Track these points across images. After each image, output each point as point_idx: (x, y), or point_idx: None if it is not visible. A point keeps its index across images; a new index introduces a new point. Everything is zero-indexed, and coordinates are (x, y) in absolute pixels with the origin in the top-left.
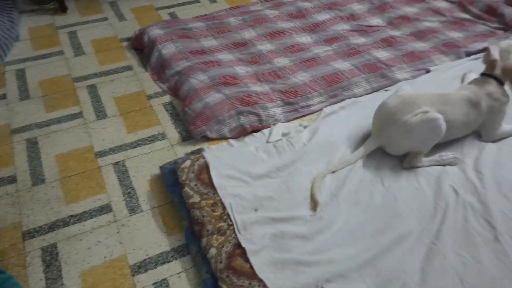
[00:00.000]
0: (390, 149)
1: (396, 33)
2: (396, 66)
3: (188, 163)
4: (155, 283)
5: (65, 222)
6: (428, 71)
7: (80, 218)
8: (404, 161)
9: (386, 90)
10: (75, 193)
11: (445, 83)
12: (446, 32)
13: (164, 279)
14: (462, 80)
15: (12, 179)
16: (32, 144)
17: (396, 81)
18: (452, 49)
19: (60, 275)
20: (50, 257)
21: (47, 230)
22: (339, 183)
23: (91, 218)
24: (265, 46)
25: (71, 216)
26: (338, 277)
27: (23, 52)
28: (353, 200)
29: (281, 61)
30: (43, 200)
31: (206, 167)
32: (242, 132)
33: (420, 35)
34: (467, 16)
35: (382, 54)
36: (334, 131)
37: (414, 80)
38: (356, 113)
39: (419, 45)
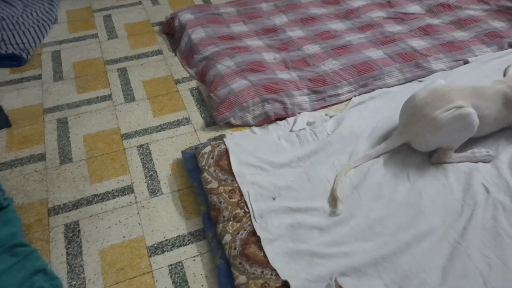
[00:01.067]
0: (417, 146)
1: (435, 21)
2: (432, 56)
3: (208, 148)
4: (171, 265)
5: (88, 201)
6: (466, 62)
7: (103, 197)
8: (433, 157)
9: (420, 81)
10: (100, 173)
11: (484, 76)
12: (489, 21)
13: (180, 262)
14: (505, 74)
15: (42, 157)
16: (62, 124)
17: (432, 72)
18: (494, 39)
19: (81, 251)
20: (72, 233)
21: (71, 207)
22: (362, 176)
23: (113, 198)
24: (296, 33)
25: (95, 195)
26: (353, 271)
27: (60, 34)
28: (375, 194)
29: (311, 48)
30: (69, 179)
31: (226, 153)
32: (266, 120)
33: (460, 23)
34: None
35: (418, 43)
36: (361, 122)
37: (451, 72)
38: (386, 104)
39: (459, 35)
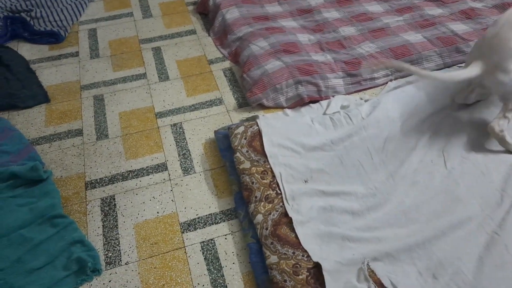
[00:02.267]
0: (491, 83)
1: (477, 4)
2: (474, 41)
3: (241, 129)
4: (203, 242)
5: (124, 176)
6: None
7: (137, 174)
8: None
9: (460, 67)
10: (135, 150)
11: None
12: None
13: (211, 239)
14: None
15: (79, 132)
16: (99, 101)
17: None
18: None
19: (116, 225)
20: (108, 207)
21: (107, 182)
22: (398, 162)
23: (148, 175)
24: (332, 14)
25: (130, 171)
26: (386, 256)
27: (96, 13)
28: (411, 181)
29: (347, 30)
30: (106, 154)
31: (259, 134)
32: (299, 102)
33: (505, 8)
34: None
35: (459, 27)
36: (397, 107)
37: None
38: (423, 90)
39: None
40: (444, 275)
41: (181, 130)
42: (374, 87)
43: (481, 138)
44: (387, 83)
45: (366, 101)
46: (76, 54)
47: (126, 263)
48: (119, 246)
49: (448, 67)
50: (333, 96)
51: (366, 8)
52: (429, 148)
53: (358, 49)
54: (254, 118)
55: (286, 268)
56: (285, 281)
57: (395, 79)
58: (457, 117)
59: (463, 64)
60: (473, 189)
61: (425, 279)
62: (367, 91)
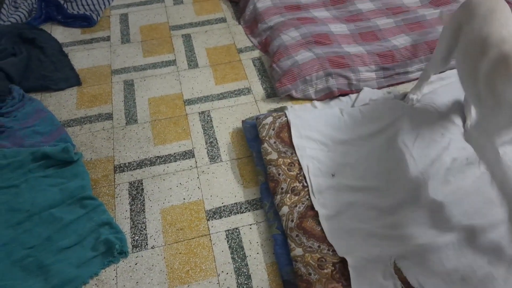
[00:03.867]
0: None
1: None
2: None
3: (269, 119)
4: (228, 230)
5: (151, 162)
6: None
7: (165, 159)
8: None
9: None
10: (163, 136)
11: None
12: None
13: (236, 228)
14: None
15: (109, 116)
16: (129, 86)
17: None
18: None
19: (143, 209)
20: (136, 191)
21: (136, 166)
22: (429, 161)
23: (175, 161)
24: (366, 5)
25: (158, 157)
26: (413, 255)
27: None
28: (442, 179)
29: (381, 22)
30: (134, 139)
31: (287, 125)
32: (328, 95)
33: None
34: None
35: None
36: (428, 103)
37: None
38: (456, 86)
39: None
40: (473, 278)
41: (208, 118)
42: (407, 81)
43: None
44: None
45: (395, 96)
46: (108, 38)
47: (152, 247)
48: (146, 230)
49: None
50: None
51: (402, 0)
52: (463, 148)
53: (392, 41)
54: (283, 109)
55: (311, 261)
56: (310, 274)
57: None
58: None
59: None
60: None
61: (453, 280)
62: (400, 86)
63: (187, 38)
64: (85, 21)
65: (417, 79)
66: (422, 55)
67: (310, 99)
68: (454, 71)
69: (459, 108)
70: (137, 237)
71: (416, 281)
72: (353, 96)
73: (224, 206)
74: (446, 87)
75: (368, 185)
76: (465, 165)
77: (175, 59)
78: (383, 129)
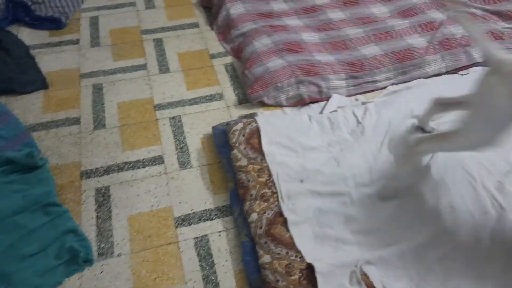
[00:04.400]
0: None
1: (477, 11)
2: (471, 45)
3: (239, 125)
4: (196, 237)
5: (119, 168)
6: None
7: (133, 165)
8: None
9: (462, 75)
10: (132, 141)
11: None
12: None
13: (205, 235)
14: None
15: (76, 121)
16: (98, 90)
17: (473, 60)
18: None
19: (110, 216)
20: (103, 198)
21: (103, 172)
22: (393, 168)
23: (144, 167)
24: (337, 15)
25: (126, 162)
26: (378, 260)
27: (99, 1)
28: (406, 184)
29: (352, 31)
30: (102, 144)
31: (257, 132)
32: (299, 102)
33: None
34: None
35: (459, 30)
36: (392, 112)
37: None
38: (421, 96)
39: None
40: (435, 281)
41: (179, 123)
42: (375, 90)
43: None
44: (387, 86)
45: (363, 103)
46: (77, 41)
47: (118, 255)
48: (112, 238)
49: (450, 70)
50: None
51: (371, 10)
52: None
53: (362, 50)
54: (253, 115)
55: (279, 268)
56: (278, 281)
57: (398, 83)
58: None
59: (466, 72)
60: (464, 196)
61: (417, 284)
62: (369, 94)
63: (158, 43)
64: (53, 24)
65: (385, 87)
66: (389, 65)
67: (282, 106)
68: (421, 80)
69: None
70: (103, 245)
71: (381, 286)
72: (323, 103)
73: (193, 213)
74: (408, 95)
75: (336, 191)
76: (425, 172)
77: (146, 64)
78: (350, 136)
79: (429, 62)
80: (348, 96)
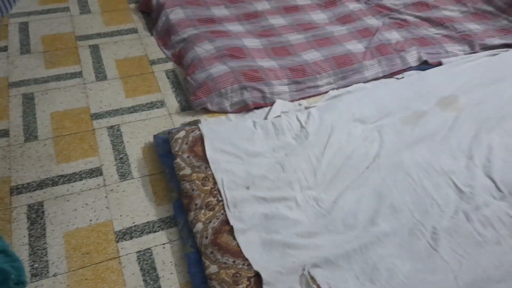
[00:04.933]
0: None
1: (409, 17)
2: (405, 50)
3: (182, 133)
4: (139, 251)
5: (54, 181)
6: (440, 64)
7: (69, 178)
8: None
9: (398, 79)
10: (67, 153)
11: (456, 78)
12: (465, 23)
13: (148, 249)
14: None
15: (5, 133)
16: (28, 100)
17: (407, 64)
18: (466, 39)
19: (44, 233)
20: (36, 215)
21: (35, 187)
22: (335, 170)
23: (81, 180)
24: (278, 21)
25: (61, 176)
26: (325, 262)
27: (29, 5)
28: (348, 188)
29: (292, 38)
30: (34, 157)
31: (200, 139)
32: (244, 108)
33: (434, 21)
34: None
35: (394, 36)
36: (335, 115)
37: (424, 72)
38: (361, 100)
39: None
40: (380, 279)
41: (118, 133)
42: (317, 94)
43: (415, 147)
44: (328, 91)
45: (306, 108)
46: (5, 48)
47: (54, 275)
48: (47, 257)
49: (387, 74)
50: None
51: (311, 17)
52: (365, 156)
53: (303, 56)
54: (196, 123)
55: (226, 278)
56: None
57: (338, 88)
58: (394, 127)
59: (401, 76)
60: (405, 196)
61: (362, 283)
62: (311, 99)
63: (94, 49)
64: None
65: (326, 92)
66: (330, 70)
67: (226, 112)
68: (361, 84)
69: (360, 118)
70: (36, 265)
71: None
72: (267, 108)
73: (135, 226)
74: (349, 99)
75: (281, 196)
76: (368, 172)
77: (81, 71)
78: (293, 141)
79: (367, 67)
80: (291, 101)
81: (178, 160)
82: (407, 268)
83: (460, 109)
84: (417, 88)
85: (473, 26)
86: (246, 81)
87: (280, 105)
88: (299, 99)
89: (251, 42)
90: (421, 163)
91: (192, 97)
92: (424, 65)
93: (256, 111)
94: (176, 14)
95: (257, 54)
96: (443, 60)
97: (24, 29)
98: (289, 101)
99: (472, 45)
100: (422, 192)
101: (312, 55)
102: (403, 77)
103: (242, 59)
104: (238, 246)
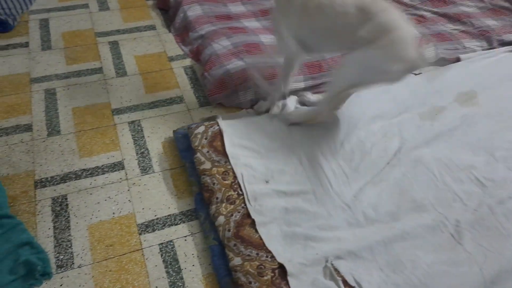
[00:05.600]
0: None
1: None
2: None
3: (201, 129)
4: (161, 243)
5: (77, 175)
6: (458, 60)
7: (92, 172)
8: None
9: (416, 74)
10: (89, 148)
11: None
12: (482, 19)
13: (170, 241)
14: None
15: (28, 128)
16: (50, 95)
17: None
18: (484, 35)
19: (69, 226)
20: (60, 207)
21: (59, 181)
22: (354, 164)
23: (103, 173)
24: None
25: (84, 169)
26: (347, 254)
27: (49, 2)
28: (367, 182)
29: None
30: (57, 151)
31: (219, 134)
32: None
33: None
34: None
35: None
36: (352, 111)
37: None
38: (379, 96)
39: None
40: (404, 270)
41: (139, 128)
42: None
43: (435, 143)
44: None
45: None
46: (26, 44)
47: (79, 266)
48: (72, 248)
49: None
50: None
51: None
52: (385, 152)
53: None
54: (214, 118)
55: (250, 269)
56: (250, 282)
57: None
58: (413, 122)
59: (419, 72)
60: (426, 191)
61: (387, 274)
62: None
63: (114, 45)
64: (0, 26)
65: None
66: None
67: (241, 108)
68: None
69: (382, 113)
70: (61, 256)
71: (353, 279)
72: (282, 102)
73: (157, 219)
74: (369, 93)
75: (300, 189)
76: (388, 168)
77: (101, 67)
78: (309, 134)
79: None
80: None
81: (198, 154)
82: (430, 259)
83: (480, 105)
84: (435, 84)
85: (491, 22)
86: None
87: (294, 100)
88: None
89: (267, 38)
90: (442, 158)
91: (209, 92)
92: (441, 61)
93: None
94: (193, 11)
95: (273, 50)
96: (462, 56)
97: (44, 25)
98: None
99: (490, 41)
100: (444, 186)
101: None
102: (420, 73)
103: (259, 55)
104: (261, 239)
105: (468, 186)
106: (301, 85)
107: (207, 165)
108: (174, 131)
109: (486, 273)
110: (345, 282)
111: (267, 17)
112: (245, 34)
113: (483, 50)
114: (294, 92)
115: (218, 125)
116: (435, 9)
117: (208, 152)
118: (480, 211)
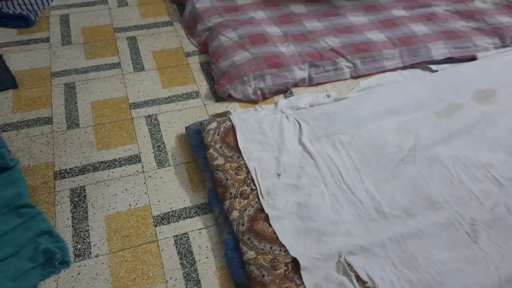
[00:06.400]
0: None
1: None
2: (432, 42)
3: (214, 124)
4: (176, 235)
5: (95, 167)
6: (474, 58)
7: (109, 165)
8: None
9: (432, 71)
10: (107, 141)
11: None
12: (496, 16)
13: (185, 233)
14: None
15: (48, 120)
16: (70, 89)
17: (430, 58)
18: (497, 33)
19: (86, 216)
20: (78, 198)
21: (78, 172)
22: (366, 160)
23: (120, 166)
24: (300, 9)
25: (101, 162)
26: (360, 250)
27: None
28: (381, 177)
29: (312, 25)
30: (76, 144)
31: (232, 130)
32: (266, 94)
33: (462, 13)
34: None
35: (419, 28)
36: (365, 107)
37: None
38: (393, 92)
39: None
40: (418, 267)
41: (156, 122)
42: (338, 80)
43: (451, 140)
44: (350, 75)
45: (335, 100)
46: (47, 39)
47: (96, 256)
48: (89, 238)
49: (407, 65)
50: (297, 87)
51: (333, 3)
52: (399, 148)
53: (321, 42)
54: (226, 114)
55: (264, 263)
56: (263, 275)
57: (361, 76)
58: (429, 120)
59: (434, 66)
60: (442, 188)
61: (400, 270)
62: (334, 86)
63: (132, 41)
64: (22, 21)
65: (347, 78)
66: (348, 55)
67: (250, 99)
68: (392, 77)
69: (391, 111)
70: (79, 246)
71: (365, 275)
72: (293, 98)
73: (172, 211)
74: (380, 92)
75: (312, 184)
76: (403, 164)
77: (119, 62)
78: (321, 131)
79: (387, 56)
80: (312, 85)
81: (211, 150)
82: (445, 257)
83: (498, 103)
84: (452, 81)
85: (505, 19)
86: (268, 68)
87: (308, 97)
88: (318, 84)
89: (272, 28)
90: (458, 156)
91: (216, 85)
92: (451, 59)
93: (281, 100)
94: (202, 3)
95: (277, 39)
96: (478, 55)
97: (65, 21)
98: (310, 84)
99: (503, 38)
100: (460, 184)
101: (330, 41)
102: (437, 70)
103: (264, 45)
104: (274, 233)
105: (484, 184)
106: (304, 73)
107: (220, 161)
108: (186, 128)
109: (501, 272)
110: (358, 277)
111: (272, 8)
112: (250, 25)
113: (495, 47)
114: (299, 80)
115: (230, 121)
116: (447, 7)
117: (221, 147)
118: (496, 210)
